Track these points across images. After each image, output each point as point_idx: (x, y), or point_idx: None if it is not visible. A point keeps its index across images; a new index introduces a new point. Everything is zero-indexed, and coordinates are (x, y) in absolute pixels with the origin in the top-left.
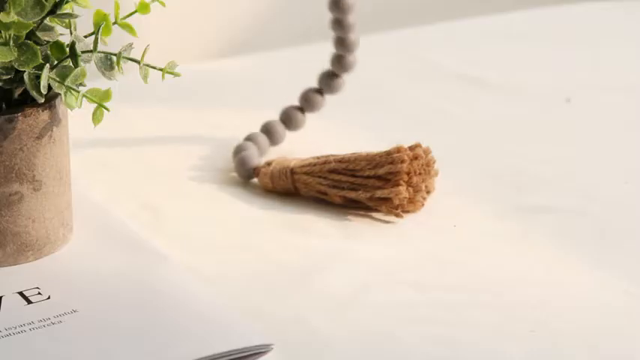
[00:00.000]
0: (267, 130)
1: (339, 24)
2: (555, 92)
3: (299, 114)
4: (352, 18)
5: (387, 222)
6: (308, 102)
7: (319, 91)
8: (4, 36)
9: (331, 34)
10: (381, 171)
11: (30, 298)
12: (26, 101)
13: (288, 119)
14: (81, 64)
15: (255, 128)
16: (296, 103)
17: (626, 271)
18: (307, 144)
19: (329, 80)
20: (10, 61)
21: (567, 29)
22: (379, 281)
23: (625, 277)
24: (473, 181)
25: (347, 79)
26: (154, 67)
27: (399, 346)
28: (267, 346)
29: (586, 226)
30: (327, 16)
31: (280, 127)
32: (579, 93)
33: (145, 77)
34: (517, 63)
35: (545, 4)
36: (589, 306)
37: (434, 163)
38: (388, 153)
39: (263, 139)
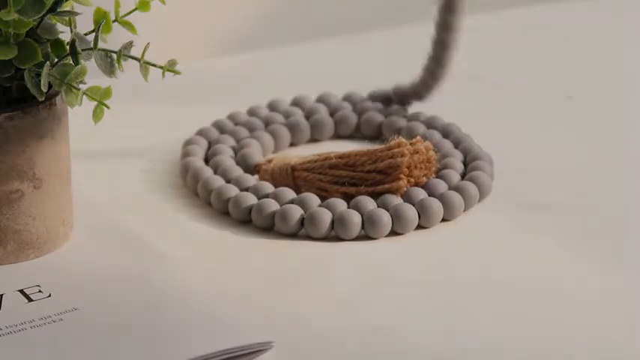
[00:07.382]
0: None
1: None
2: (556, 90)
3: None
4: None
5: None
6: None
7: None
8: (4, 34)
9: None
10: (381, 165)
11: (31, 296)
12: (26, 99)
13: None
14: (81, 61)
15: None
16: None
17: (627, 270)
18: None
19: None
20: (11, 59)
21: (568, 27)
22: (380, 279)
23: (625, 276)
24: None
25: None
26: (154, 65)
27: (400, 345)
28: (268, 343)
29: (587, 225)
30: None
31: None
32: (580, 91)
33: (145, 75)
34: (517, 61)
35: (545, 2)
36: (589, 305)
37: (435, 160)
38: (389, 147)
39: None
